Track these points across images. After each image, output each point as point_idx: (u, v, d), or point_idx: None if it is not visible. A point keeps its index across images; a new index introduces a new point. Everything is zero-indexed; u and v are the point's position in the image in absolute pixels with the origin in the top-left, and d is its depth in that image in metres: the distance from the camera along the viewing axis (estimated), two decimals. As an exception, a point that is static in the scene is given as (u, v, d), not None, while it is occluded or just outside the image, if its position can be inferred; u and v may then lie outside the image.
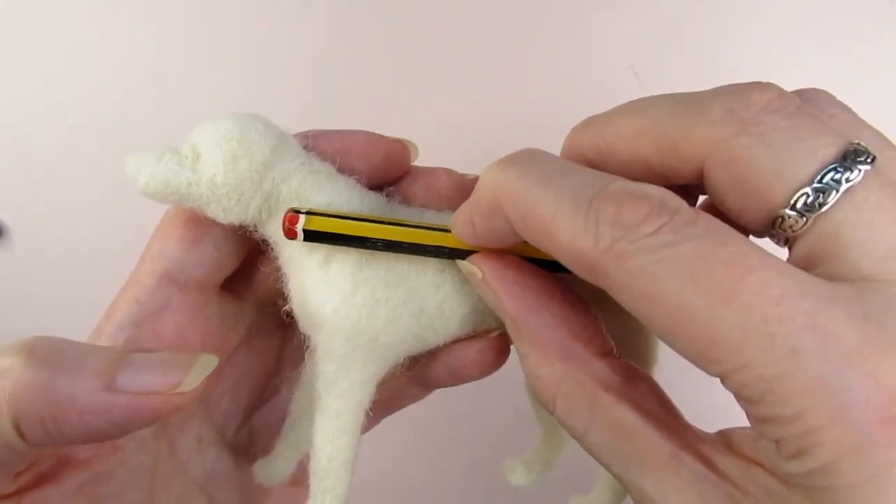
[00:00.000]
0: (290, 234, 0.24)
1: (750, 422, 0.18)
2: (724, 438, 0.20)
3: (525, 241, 0.21)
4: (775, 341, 0.16)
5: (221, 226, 0.25)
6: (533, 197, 0.19)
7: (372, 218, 0.24)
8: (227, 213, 0.24)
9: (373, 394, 0.26)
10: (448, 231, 0.24)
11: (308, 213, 0.24)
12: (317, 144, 0.26)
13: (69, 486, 0.24)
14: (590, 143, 0.23)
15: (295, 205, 0.24)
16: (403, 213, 0.27)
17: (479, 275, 0.23)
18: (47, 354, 0.21)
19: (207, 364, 0.23)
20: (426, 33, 0.46)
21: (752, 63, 0.45)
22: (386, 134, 0.28)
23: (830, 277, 0.17)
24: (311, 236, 0.24)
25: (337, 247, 0.24)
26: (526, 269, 0.23)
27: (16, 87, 0.46)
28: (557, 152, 0.47)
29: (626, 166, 0.21)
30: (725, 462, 0.19)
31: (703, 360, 0.17)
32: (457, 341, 0.27)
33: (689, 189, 0.22)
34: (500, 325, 0.27)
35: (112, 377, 0.21)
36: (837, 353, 0.16)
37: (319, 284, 0.24)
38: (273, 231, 0.25)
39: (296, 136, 0.26)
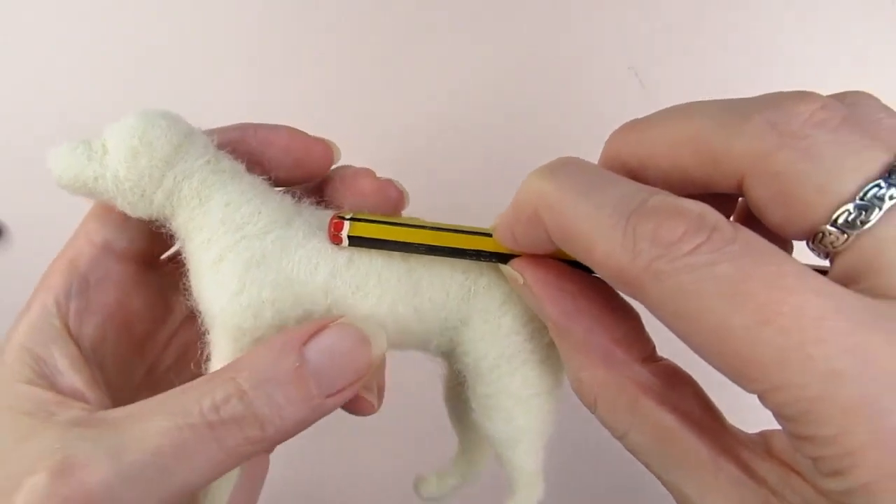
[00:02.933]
0: (336, 239, 0.24)
1: (788, 439, 0.18)
2: (766, 441, 0.20)
3: None
4: (814, 362, 0.16)
5: None
6: (571, 210, 0.19)
7: (415, 223, 0.24)
8: (133, 207, 0.25)
9: None
10: (490, 235, 0.24)
11: (352, 219, 0.24)
12: (238, 137, 0.26)
13: None
14: (629, 150, 0.22)
15: (195, 203, 0.25)
16: (311, 213, 0.26)
17: (521, 280, 0.23)
18: None
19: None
20: (426, 33, 0.46)
21: (751, 63, 0.45)
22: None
23: (872, 294, 0.17)
24: (356, 242, 0.24)
25: (231, 246, 0.24)
26: (566, 273, 0.23)
27: (16, 88, 0.46)
28: (558, 152, 0.47)
29: (665, 175, 0.21)
30: (765, 468, 0.19)
31: (741, 378, 0.17)
32: None
33: (731, 196, 0.22)
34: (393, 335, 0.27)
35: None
36: (877, 375, 0.16)
37: (211, 283, 0.25)
38: (177, 226, 0.25)
39: (210, 131, 0.26)
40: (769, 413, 0.18)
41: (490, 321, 0.25)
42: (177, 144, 0.24)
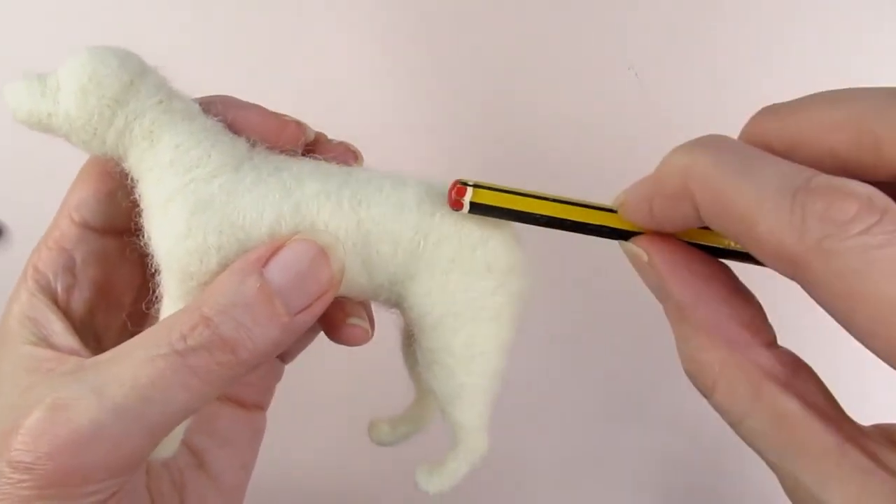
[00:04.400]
0: (457, 205, 0.24)
1: None
2: (887, 434, 0.20)
3: (699, 228, 0.21)
4: None
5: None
6: (731, 185, 0.19)
7: (538, 194, 0.24)
8: (87, 145, 0.25)
9: None
10: (612, 210, 0.24)
11: (475, 186, 0.24)
12: (208, 111, 0.26)
13: None
14: (776, 132, 0.22)
15: (146, 143, 0.24)
16: (263, 158, 0.26)
17: (645, 258, 0.23)
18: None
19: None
20: (427, 33, 0.46)
21: (751, 63, 0.45)
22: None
23: None
24: (477, 209, 0.24)
25: (179, 189, 0.24)
26: (693, 254, 0.23)
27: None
28: (558, 150, 0.47)
29: (816, 160, 0.20)
30: (893, 459, 0.19)
31: None
32: None
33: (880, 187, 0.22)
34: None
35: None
36: None
37: (160, 225, 0.25)
38: (130, 167, 0.25)
39: (197, 99, 0.26)
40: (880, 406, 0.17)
41: (436, 277, 0.25)
42: (127, 83, 0.24)
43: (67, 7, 0.45)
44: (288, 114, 0.28)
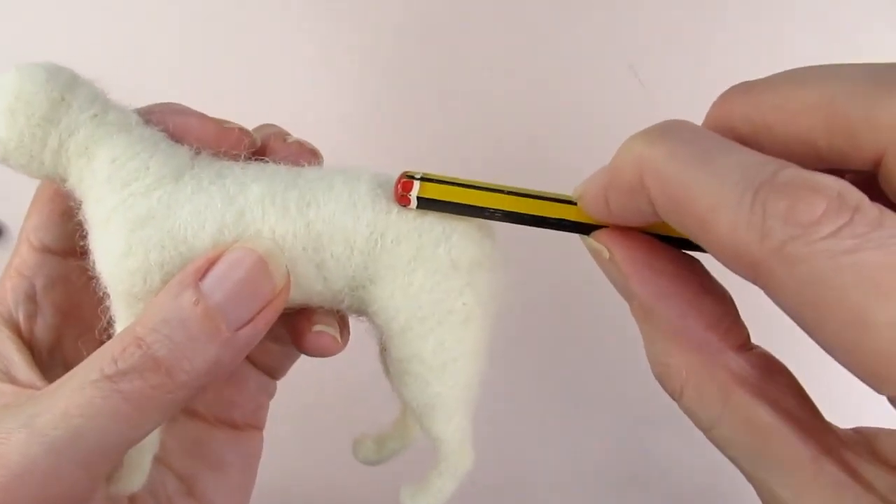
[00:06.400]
0: (403, 200, 0.23)
1: None
2: (868, 442, 0.19)
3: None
4: None
5: None
6: (687, 180, 0.17)
7: (491, 186, 0.23)
8: (26, 169, 0.24)
9: None
10: (572, 203, 0.22)
11: (423, 179, 0.22)
12: (149, 120, 0.25)
13: None
14: (742, 114, 0.20)
15: (83, 161, 0.23)
16: (207, 165, 0.25)
17: (606, 255, 0.21)
18: None
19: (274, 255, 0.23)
20: (427, 34, 0.46)
21: (751, 62, 0.45)
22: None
23: None
24: (426, 204, 0.23)
25: (117, 206, 0.23)
26: (658, 250, 0.21)
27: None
28: (558, 149, 0.47)
29: (784, 145, 0.19)
30: (872, 472, 0.18)
31: (876, 379, 0.15)
32: None
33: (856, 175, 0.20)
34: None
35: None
36: None
37: (101, 244, 0.23)
38: (72, 187, 0.24)
39: (138, 109, 0.25)
40: (858, 408, 0.16)
41: (399, 279, 0.23)
42: (56, 99, 0.23)
43: (64, 12, 0.45)
44: (233, 119, 0.26)
